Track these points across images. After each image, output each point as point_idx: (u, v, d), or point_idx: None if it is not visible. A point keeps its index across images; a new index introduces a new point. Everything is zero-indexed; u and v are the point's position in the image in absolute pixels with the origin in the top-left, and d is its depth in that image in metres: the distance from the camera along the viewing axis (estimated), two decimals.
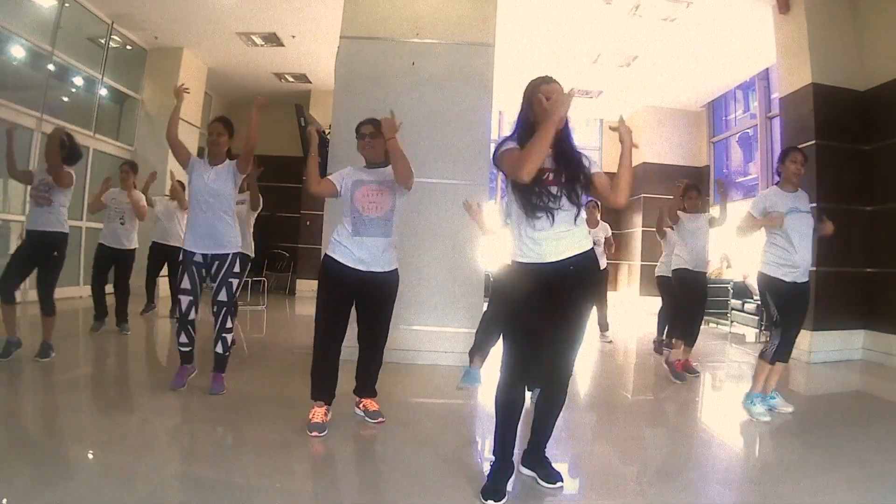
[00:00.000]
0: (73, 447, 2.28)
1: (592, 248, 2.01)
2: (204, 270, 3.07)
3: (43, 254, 3.52)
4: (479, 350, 3.33)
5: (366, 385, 2.78)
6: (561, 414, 2.11)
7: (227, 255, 3.07)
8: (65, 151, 3.59)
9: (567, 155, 1.97)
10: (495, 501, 1.89)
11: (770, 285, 3.16)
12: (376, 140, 2.62)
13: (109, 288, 4.86)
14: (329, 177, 2.67)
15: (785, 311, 3.13)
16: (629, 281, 9.74)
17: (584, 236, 2.00)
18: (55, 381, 3.25)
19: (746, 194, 8.48)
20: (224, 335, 3.09)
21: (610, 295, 9.67)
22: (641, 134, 9.53)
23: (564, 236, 1.94)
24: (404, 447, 2.48)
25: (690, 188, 4.42)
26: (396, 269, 2.70)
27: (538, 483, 2.08)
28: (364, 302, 2.65)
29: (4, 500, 1.75)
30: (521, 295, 1.95)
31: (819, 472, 2.35)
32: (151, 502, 1.82)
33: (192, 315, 3.06)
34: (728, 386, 4.27)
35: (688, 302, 4.24)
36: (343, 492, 2.03)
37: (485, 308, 3.54)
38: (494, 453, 2.02)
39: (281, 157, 9.26)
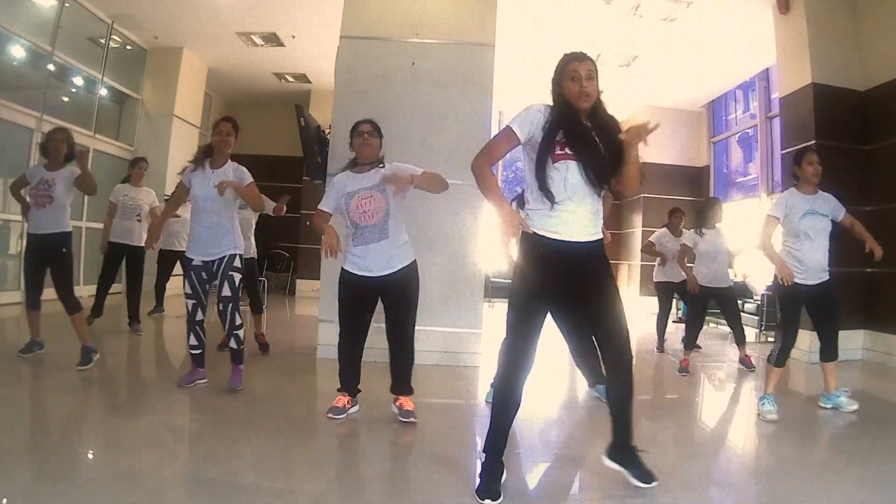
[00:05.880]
0: (76, 446, 2.28)
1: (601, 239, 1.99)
2: (204, 273, 3.08)
3: (50, 255, 3.49)
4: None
5: (398, 382, 2.80)
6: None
7: (225, 255, 3.08)
8: (67, 149, 3.58)
9: (605, 131, 1.94)
10: (493, 500, 1.88)
11: (778, 286, 3.20)
12: (373, 138, 2.72)
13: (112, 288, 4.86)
14: (324, 206, 2.73)
15: (789, 312, 3.17)
16: (629, 281, 9.74)
17: (594, 223, 1.97)
18: (63, 380, 3.25)
19: (746, 194, 8.49)
20: (236, 332, 3.12)
21: None
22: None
23: (573, 220, 1.92)
24: (407, 447, 2.49)
25: (713, 202, 4.69)
26: (409, 264, 2.72)
27: (630, 480, 2.00)
28: (386, 303, 2.75)
29: (5, 501, 1.75)
30: (525, 269, 1.95)
31: (819, 472, 2.35)
32: (152, 502, 1.82)
33: (198, 316, 3.10)
34: (728, 386, 4.27)
35: (694, 313, 4.59)
36: (343, 492, 2.03)
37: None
38: (485, 450, 2.00)
39: (281, 157, 9.27)
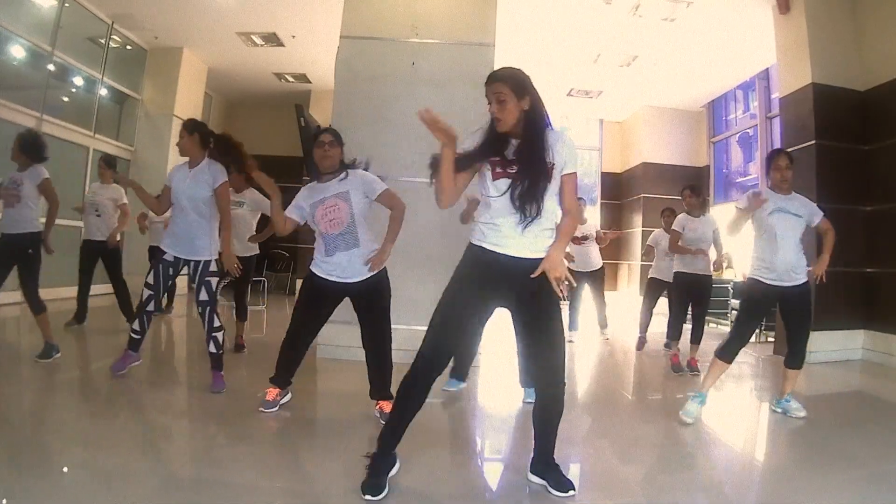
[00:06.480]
0: (73, 447, 2.27)
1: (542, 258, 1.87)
2: (171, 269, 3.11)
3: (18, 254, 3.47)
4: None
5: (377, 387, 2.80)
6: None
7: (200, 261, 3.10)
8: (19, 142, 3.52)
9: (527, 153, 1.86)
10: (373, 496, 1.84)
11: (746, 283, 3.15)
12: (334, 149, 2.72)
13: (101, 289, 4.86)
14: (288, 211, 2.72)
15: (745, 306, 3.12)
16: (629, 281, 9.74)
17: (535, 241, 1.89)
18: (57, 380, 3.25)
19: None
20: (214, 334, 3.11)
21: (610, 295, 9.69)
22: (641, 134, 9.56)
23: (511, 235, 1.87)
24: (405, 447, 2.48)
25: (689, 189, 4.52)
26: (379, 271, 2.70)
27: (549, 491, 1.98)
28: (359, 310, 2.75)
29: (4, 501, 1.75)
30: (459, 272, 1.94)
31: (819, 472, 2.35)
32: (151, 502, 1.82)
33: (149, 307, 3.13)
34: (728, 386, 4.26)
35: (678, 304, 4.51)
36: (343, 492, 2.02)
37: None
38: (379, 440, 1.96)
39: (281, 157, 9.26)
